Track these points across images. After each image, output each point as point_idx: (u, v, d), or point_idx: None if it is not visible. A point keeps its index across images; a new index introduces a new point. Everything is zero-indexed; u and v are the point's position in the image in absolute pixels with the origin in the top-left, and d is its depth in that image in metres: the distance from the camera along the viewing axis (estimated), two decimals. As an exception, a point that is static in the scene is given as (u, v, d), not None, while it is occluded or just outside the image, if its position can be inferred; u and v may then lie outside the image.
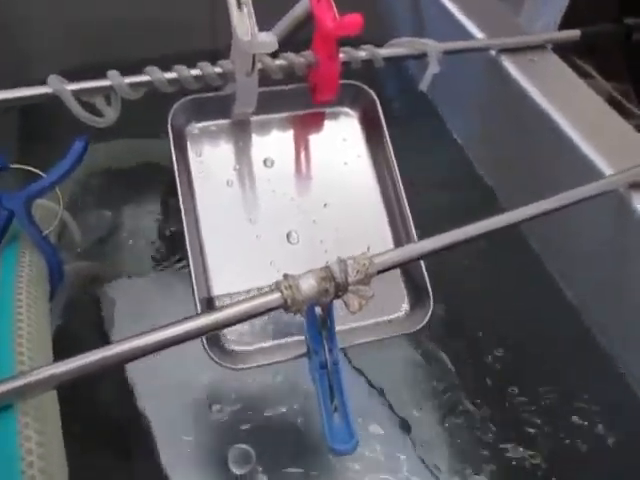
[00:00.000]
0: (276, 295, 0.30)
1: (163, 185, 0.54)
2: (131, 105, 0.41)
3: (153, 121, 0.44)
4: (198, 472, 0.41)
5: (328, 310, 0.33)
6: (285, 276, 0.30)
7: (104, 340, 0.47)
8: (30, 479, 0.23)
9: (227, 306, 0.29)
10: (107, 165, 0.56)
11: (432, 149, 0.59)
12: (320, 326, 0.34)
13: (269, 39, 0.35)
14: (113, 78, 0.40)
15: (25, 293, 0.33)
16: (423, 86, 0.45)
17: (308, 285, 0.30)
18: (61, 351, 0.30)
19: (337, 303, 0.37)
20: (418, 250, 0.32)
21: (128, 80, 0.40)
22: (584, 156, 0.44)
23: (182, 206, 0.41)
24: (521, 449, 0.42)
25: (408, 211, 0.43)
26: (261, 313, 0.30)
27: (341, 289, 0.30)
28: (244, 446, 0.42)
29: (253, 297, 0.30)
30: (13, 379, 0.25)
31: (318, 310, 0.34)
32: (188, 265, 0.40)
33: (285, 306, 0.30)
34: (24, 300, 0.32)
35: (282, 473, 0.40)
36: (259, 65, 0.41)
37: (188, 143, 0.44)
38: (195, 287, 0.39)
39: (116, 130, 0.49)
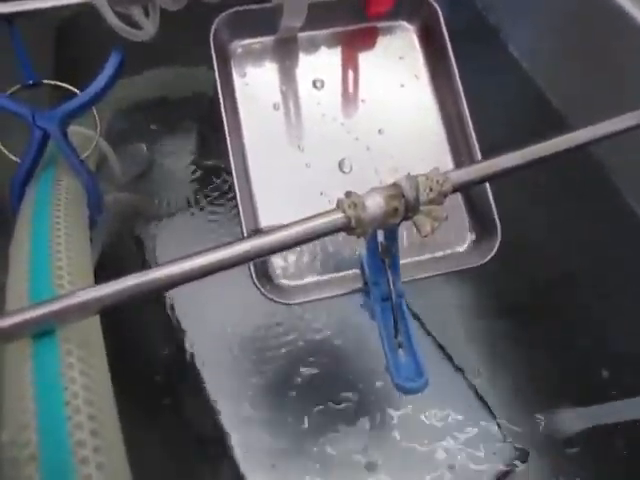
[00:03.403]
0: (338, 215, 0.26)
1: (202, 115, 0.51)
2: (169, 27, 0.38)
3: (192, 44, 0.41)
4: (248, 406, 0.39)
5: (392, 236, 0.30)
6: (348, 194, 0.27)
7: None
8: (75, 411, 0.21)
9: (282, 227, 0.26)
10: (142, 96, 0.53)
11: (495, 71, 0.54)
12: (383, 254, 0.31)
13: None
14: (151, -15, 0.36)
15: (63, 217, 0.30)
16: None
17: (375, 203, 0.26)
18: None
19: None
20: (498, 165, 0.28)
21: (167, -12, 0.36)
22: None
23: (227, 131, 0.37)
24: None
25: (474, 138, 0.39)
26: (321, 235, 0.26)
27: (411, 209, 0.27)
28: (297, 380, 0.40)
29: (311, 217, 0.26)
30: (53, 301, 0.23)
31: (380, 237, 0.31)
32: (234, 195, 0.37)
33: (348, 227, 0.26)
34: (62, 225, 0.30)
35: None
36: (309, -31, 0.36)
37: (232, 62, 0.41)
38: (242, 217, 0.37)
39: (152, 56, 0.46)
